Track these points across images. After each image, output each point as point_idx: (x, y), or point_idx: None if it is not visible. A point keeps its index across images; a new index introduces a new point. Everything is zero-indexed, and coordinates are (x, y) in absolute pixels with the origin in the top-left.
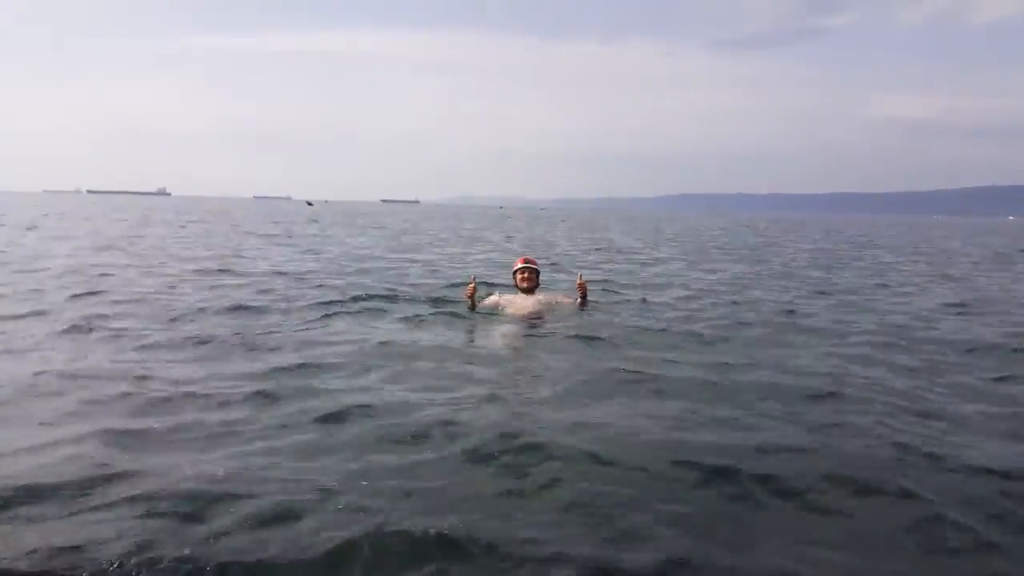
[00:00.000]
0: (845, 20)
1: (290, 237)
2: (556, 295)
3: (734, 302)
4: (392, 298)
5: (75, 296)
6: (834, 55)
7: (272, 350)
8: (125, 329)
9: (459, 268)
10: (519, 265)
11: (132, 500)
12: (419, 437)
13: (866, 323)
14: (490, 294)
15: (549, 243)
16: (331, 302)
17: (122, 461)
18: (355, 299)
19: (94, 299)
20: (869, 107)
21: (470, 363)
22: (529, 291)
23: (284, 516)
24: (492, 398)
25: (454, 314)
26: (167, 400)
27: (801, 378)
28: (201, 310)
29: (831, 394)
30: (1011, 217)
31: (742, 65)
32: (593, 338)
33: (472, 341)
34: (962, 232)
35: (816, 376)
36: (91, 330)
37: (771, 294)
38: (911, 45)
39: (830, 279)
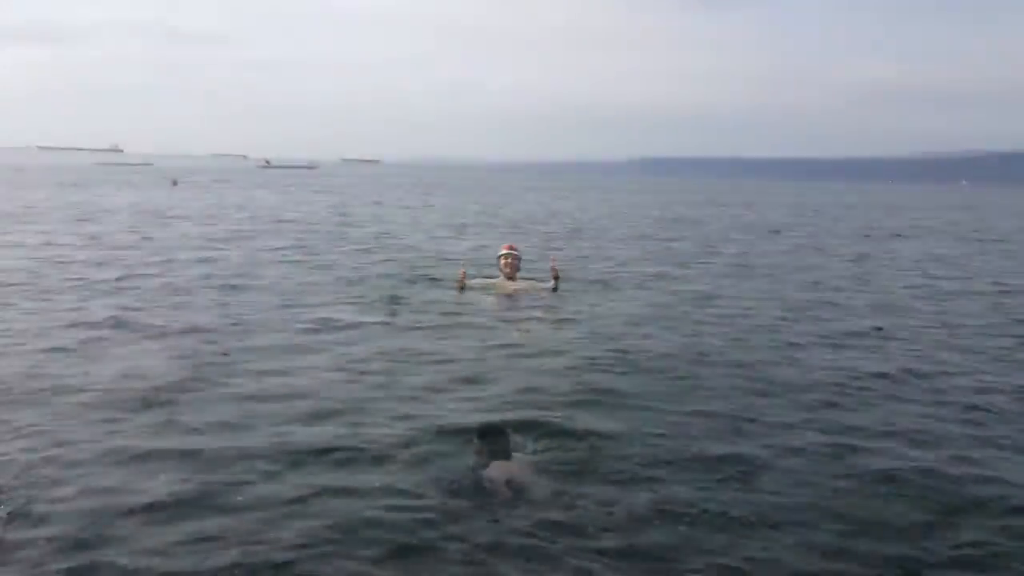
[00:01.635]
0: None
1: None
2: (533, 281)
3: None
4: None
5: None
6: (804, 16)
7: None
8: None
9: None
10: (503, 251)
11: None
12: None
13: None
14: (476, 277)
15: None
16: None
17: None
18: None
19: None
20: (831, 70)
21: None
22: (510, 275)
23: None
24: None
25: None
26: None
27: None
28: None
29: None
30: (964, 182)
31: (712, 24)
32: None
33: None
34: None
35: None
36: None
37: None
38: (880, 7)
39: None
